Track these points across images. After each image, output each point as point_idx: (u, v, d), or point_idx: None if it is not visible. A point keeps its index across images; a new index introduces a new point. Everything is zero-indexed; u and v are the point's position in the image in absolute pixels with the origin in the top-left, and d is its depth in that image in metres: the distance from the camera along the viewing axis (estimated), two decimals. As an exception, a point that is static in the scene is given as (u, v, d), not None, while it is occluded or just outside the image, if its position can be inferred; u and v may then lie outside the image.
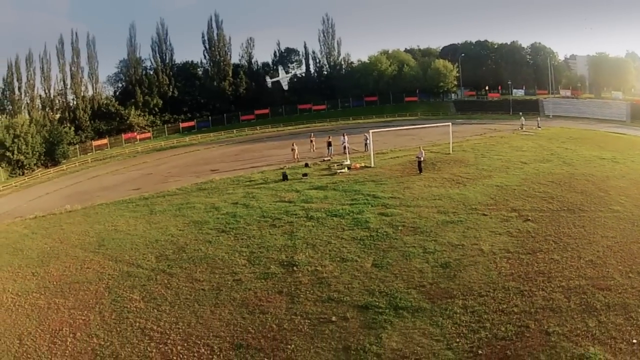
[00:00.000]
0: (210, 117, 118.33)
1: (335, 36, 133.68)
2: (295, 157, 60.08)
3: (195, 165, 65.47)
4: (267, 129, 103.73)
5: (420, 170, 48.55)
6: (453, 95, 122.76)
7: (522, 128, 75.17)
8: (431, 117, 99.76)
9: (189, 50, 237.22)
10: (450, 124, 61.70)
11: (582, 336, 17.75)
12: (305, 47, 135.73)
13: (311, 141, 65.80)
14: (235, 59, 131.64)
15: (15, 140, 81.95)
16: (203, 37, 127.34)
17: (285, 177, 50.53)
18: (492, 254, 26.23)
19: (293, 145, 63.04)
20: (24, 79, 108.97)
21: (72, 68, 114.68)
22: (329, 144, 61.61)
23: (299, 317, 21.76)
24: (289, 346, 19.56)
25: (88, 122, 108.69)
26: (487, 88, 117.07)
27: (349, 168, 51.94)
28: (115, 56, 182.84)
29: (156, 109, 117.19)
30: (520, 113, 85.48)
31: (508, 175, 43.64)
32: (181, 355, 19.64)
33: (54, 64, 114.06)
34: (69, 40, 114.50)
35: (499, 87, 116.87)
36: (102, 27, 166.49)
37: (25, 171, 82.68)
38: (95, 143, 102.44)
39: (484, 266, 24.88)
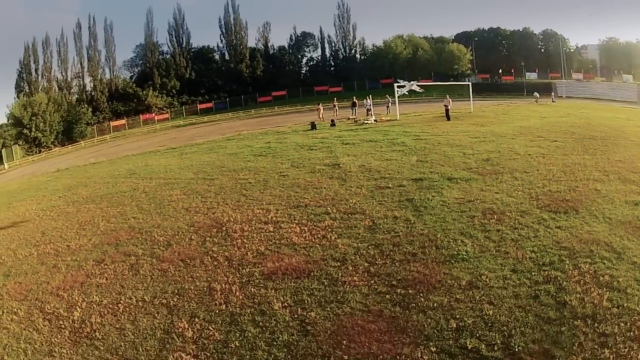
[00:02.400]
0: (227, 99, 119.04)
1: (351, 21, 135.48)
2: (321, 116, 60.80)
3: (219, 131, 64.94)
4: (285, 108, 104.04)
5: (448, 117, 49.62)
6: (467, 78, 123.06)
7: (537, 101, 76.02)
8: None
9: (205, 36, 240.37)
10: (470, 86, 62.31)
11: (626, 192, 19.03)
12: (320, 32, 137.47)
13: (334, 106, 66.41)
14: (251, 42, 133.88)
15: (33, 118, 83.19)
16: (220, 21, 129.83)
17: (313, 127, 51.51)
18: (527, 155, 27.08)
19: (318, 105, 63.88)
20: (41, 62, 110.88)
21: (90, 51, 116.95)
22: (354, 104, 62.55)
23: (354, 188, 22.66)
24: (351, 201, 20.59)
25: (105, 104, 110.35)
26: (500, 71, 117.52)
27: (375, 121, 52.86)
28: (132, 41, 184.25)
29: (174, 90, 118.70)
30: (536, 93, 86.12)
31: (529, 122, 44.15)
32: (233, 217, 20.12)
33: (71, 47, 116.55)
34: (86, 24, 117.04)
35: (512, 71, 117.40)
36: (119, 12, 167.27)
37: (42, 149, 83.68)
38: (113, 124, 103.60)
39: (523, 160, 25.83)
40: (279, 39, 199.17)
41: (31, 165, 68.79)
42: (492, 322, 10.35)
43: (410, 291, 12.06)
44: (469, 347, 9.50)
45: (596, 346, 9.18)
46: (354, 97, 64.90)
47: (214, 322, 11.34)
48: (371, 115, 56.49)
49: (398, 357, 9.36)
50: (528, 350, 9.25)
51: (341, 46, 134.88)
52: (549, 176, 21.65)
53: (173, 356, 10.04)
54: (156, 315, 12.06)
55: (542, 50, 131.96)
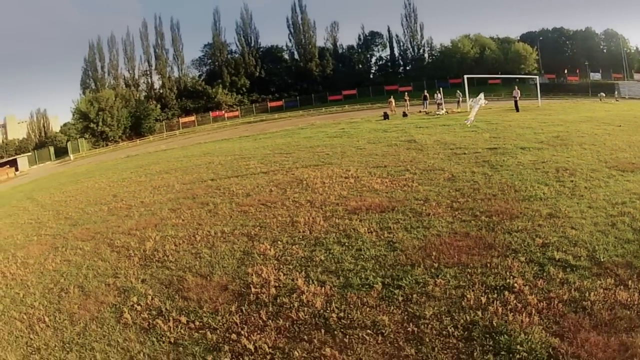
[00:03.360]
0: (298, 97, 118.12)
1: (418, 20, 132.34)
2: (392, 109, 60.01)
3: (292, 124, 63.40)
4: (356, 106, 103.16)
5: (517, 109, 48.16)
6: (534, 78, 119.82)
7: (601, 100, 73.81)
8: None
9: (273, 35, 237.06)
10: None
11: None
12: (388, 31, 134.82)
13: (406, 100, 65.70)
14: (320, 42, 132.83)
15: (100, 112, 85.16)
16: (287, 21, 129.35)
17: (386, 117, 51.27)
18: (594, 134, 26.16)
19: (390, 98, 63.41)
20: (107, 60, 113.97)
21: (157, 50, 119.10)
22: (425, 98, 61.80)
23: (431, 154, 22.48)
24: (429, 162, 20.31)
25: (174, 101, 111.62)
26: (566, 71, 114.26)
27: (446, 112, 52.04)
28: (199, 40, 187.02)
29: (243, 88, 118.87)
30: (601, 92, 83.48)
31: (594, 113, 42.49)
32: (313, 175, 20.03)
33: (137, 46, 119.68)
34: (152, 24, 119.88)
35: (577, 71, 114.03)
36: (185, 13, 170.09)
37: (109, 143, 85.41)
38: (182, 120, 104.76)
39: (590, 137, 24.97)
40: (347, 38, 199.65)
41: (98, 156, 71.03)
42: (576, 241, 10.17)
43: (494, 218, 11.95)
44: (557, 258, 9.38)
45: None
46: (425, 91, 63.93)
47: (298, 244, 11.15)
48: (442, 108, 55.47)
49: (488, 265, 9.25)
50: (612, 261, 9.09)
51: (409, 45, 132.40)
52: (615, 148, 20.85)
53: (253, 269, 9.87)
54: (236, 241, 11.84)
55: (604, 50, 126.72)
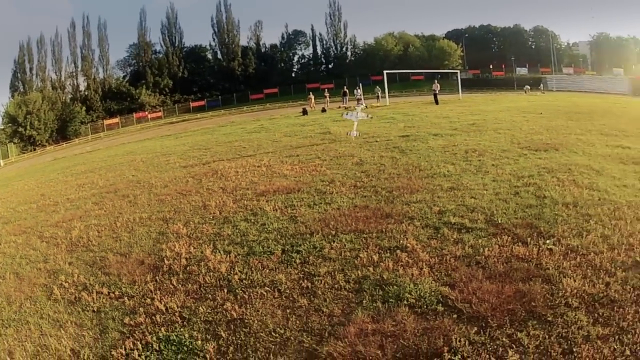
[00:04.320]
0: (220, 97, 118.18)
1: (342, 19, 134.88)
2: (312, 106, 61.11)
3: (212, 123, 65.81)
4: (277, 104, 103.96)
5: (437, 102, 50.19)
6: (458, 74, 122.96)
7: (526, 93, 76.85)
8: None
9: (198, 35, 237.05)
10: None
11: (607, 141, 19.35)
12: (312, 30, 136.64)
13: (326, 96, 66.96)
14: (243, 41, 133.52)
15: (28, 116, 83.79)
16: (212, 20, 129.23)
17: (305, 112, 52.15)
18: (512, 121, 27.75)
19: (310, 94, 64.64)
20: (35, 61, 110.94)
21: (83, 51, 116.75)
22: (344, 94, 63.07)
23: (343, 143, 22.96)
24: (340, 150, 20.83)
25: (99, 103, 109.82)
26: (491, 67, 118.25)
27: (365, 107, 53.55)
28: (125, 40, 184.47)
29: (167, 89, 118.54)
30: (526, 85, 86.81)
31: (517, 104, 44.50)
32: (228, 166, 20.98)
33: (65, 46, 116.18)
34: (81, 23, 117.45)
35: (503, 66, 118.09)
36: (113, 12, 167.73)
37: (37, 147, 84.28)
38: (107, 122, 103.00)
39: (507, 123, 26.43)
40: (271, 37, 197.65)
41: (27, 160, 69.23)
42: (474, 208, 11.07)
43: (394, 193, 12.85)
44: (453, 222, 10.26)
45: (580, 220, 9.84)
46: (345, 87, 65.40)
47: (208, 223, 12.21)
48: (361, 103, 56.85)
49: (384, 230, 10.12)
50: (512, 223, 9.95)
51: (332, 44, 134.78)
52: (531, 132, 22.32)
53: (166, 245, 10.85)
54: (152, 225, 12.88)
55: (533, 46, 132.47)
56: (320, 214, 11.76)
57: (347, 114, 29.97)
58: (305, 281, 8.28)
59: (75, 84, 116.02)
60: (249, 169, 19.31)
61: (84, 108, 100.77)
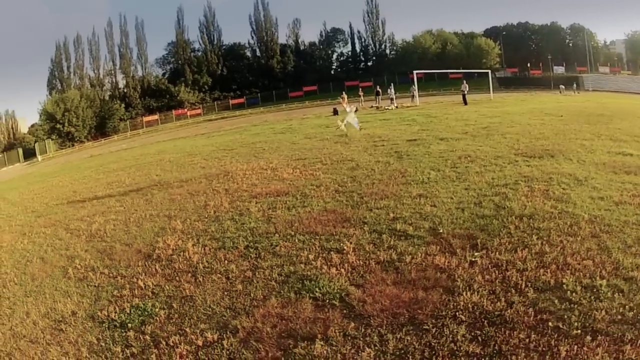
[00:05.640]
0: (259, 94, 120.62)
1: (380, 16, 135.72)
2: (345, 105, 62.18)
3: (248, 121, 68.02)
4: (316, 101, 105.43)
5: (465, 102, 50.84)
6: (496, 73, 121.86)
7: (561, 92, 76.89)
8: (475, 91, 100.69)
9: (236, 33, 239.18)
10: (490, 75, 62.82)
11: (612, 147, 19.80)
12: (350, 27, 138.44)
13: (360, 95, 68.35)
14: (282, 39, 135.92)
15: (66, 113, 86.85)
16: (250, 18, 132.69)
17: (335, 112, 53.60)
18: (527, 124, 27.97)
19: (343, 94, 65.72)
20: (73, 60, 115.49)
21: (121, 49, 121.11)
22: (377, 93, 64.10)
23: (352, 147, 24.43)
24: (345, 154, 22.24)
25: (138, 100, 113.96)
26: (529, 65, 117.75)
27: (396, 107, 54.80)
28: (164, 39, 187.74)
29: (206, 86, 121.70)
30: (561, 85, 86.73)
31: (544, 105, 44.69)
32: (240, 168, 24.50)
33: (102, 45, 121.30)
34: (118, 23, 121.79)
35: (540, 65, 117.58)
36: (150, 11, 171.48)
37: (75, 143, 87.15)
38: (146, 119, 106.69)
39: (520, 127, 26.74)
40: (309, 35, 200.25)
41: (64, 156, 73.03)
42: (427, 216, 11.93)
43: (365, 199, 14.08)
44: (398, 228, 11.29)
45: (525, 234, 10.01)
46: (378, 87, 66.58)
47: (201, 221, 14.07)
48: (393, 102, 58.38)
49: (334, 233, 11.56)
50: (453, 233, 10.64)
51: (371, 41, 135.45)
52: (538, 136, 22.43)
53: (162, 239, 12.87)
54: (158, 221, 14.90)
55: (570, 44, 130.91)
56: (292, 216, 13.37)
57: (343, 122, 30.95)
58: (249, 272, 9.98)
59: (114, 81, 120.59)
60: (256, 171, 21.04)
61: (122, 105, 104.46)
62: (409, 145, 23.03)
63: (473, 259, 9.28)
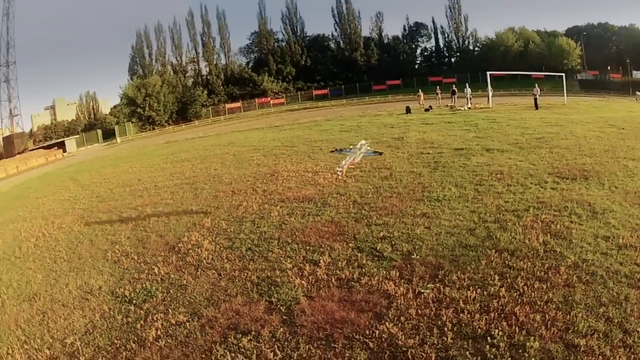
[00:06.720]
0: (343, 86, 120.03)
1: (462, 12, 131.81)
2: (421, 103, 62.25)
3: (326, 114, 67.87)
4: (398, 96, 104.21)
5: (537, 106, 49.28)
6: (577, 75, 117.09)
7: (637, 100, 74.67)
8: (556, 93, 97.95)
9: (319, 24, 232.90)
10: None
11: None
12: (433, 22, 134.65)
13: (437, 93, 68.38)
14: (365, 32, 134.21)
15: (147, 98, 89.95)
16: (332, 11, 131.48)
17: (408, 111, 54.04)
18: (583, 137, 26.09)
19: (419, 91, 66.14)
20: (154, 47, 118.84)
21: (204, 38, 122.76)
22: (453, 92, 63.09)
23: (399, 153, 25.03)
24: (387, 161, 22.93)
25: (221, 87, 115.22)
26: (609, 68, 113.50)
27: (469, 108, 54.81)
28: (247, 29, 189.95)
29: (289, 76, 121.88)
30: (637, 92, 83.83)
31: (612, 114, 41.97)
32: (288, 168, 25.47)
33: (184, 34, 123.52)
34: (198, 13, 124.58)
35: (620, 68, 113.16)
36: (231, 2, 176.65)
37: (156, 127, 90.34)
38: (229, 106, 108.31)
39: (574, 140, 24.84)
40: (392, 29, 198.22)
41: (144, 139, 76.73)
42: (412, 238, 12.47)
43: (372, 213, 15.00)
44: (378, 248, 12.15)
45: (492, 273, 9.74)
46: (454, 86, 66.17)
47: (227, 220, 16.01)
48: (468, 102, 57.80)
49: (322, 245, 12.84)
50: (423, 260, 10.99)
51: (454, 37, 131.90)
52: (586, 153, 20.78)
53: (190, 233, 15.09)
54: (194, 216, 17.33)
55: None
56: (300, 224, 14.76)
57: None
58: (237, 272, 11.63)
59: (197, 68, 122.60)
60: (299, 174, 22.37)
61: (205, 92, 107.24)
62: (452, 155, 22.84)
63: (422, 291, 9.58)
